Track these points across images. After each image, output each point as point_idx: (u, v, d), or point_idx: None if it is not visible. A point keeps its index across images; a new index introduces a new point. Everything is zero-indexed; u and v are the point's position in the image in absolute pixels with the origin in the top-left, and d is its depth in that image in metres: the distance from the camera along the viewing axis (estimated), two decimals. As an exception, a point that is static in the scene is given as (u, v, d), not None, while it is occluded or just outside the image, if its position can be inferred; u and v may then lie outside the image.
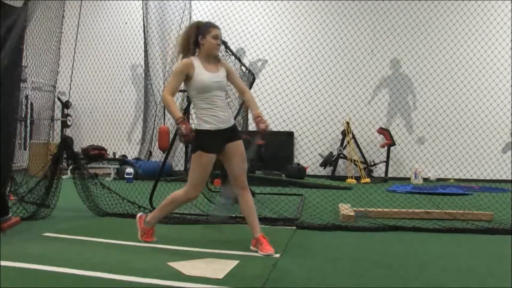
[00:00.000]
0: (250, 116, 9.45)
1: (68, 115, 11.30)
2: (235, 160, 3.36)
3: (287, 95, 10.22)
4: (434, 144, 10.76)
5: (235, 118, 5.71)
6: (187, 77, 3.29)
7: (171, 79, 3.34)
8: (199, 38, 3.33)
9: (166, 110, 10.89)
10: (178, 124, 3.15)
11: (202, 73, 3.28)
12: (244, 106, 6.31)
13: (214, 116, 3.28)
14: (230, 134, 3.37)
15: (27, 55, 5.26)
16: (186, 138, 3.15)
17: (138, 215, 3.66)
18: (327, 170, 10.84)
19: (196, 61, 3.33)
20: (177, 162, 10.89)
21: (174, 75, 3.32)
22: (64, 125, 11.14)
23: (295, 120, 9.84)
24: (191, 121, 3.81)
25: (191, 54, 3.35)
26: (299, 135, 10.82)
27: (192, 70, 3.28)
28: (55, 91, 7.26)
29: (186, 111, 5.39)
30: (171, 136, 8.20)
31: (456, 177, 10.27)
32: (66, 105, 10.98)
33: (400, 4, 9.57)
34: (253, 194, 6.78)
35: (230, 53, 5.33)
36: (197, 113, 3.34)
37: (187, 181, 3.39)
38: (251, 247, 3.34)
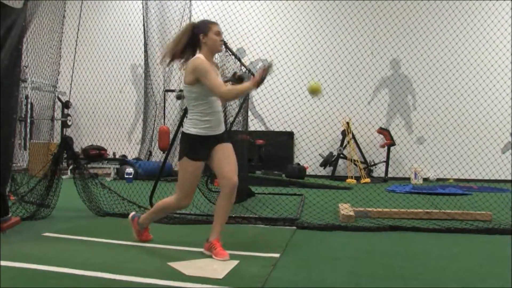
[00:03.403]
0: (250, 116, 9.49)
1: (68, 115, 11.30)
2: (226, 159, 3.19)
3: (288, 96, 10.25)
4: (433, 144, 10.77)
5: (235, 118, 5.73)
6: (197, 78, 3.09)
7: (209, 77, 3.03)
8: (200, 37, 3.15)
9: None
10: (256, 86, 3.02)
11: (213, 73, 3.10)
12: (244, 106, 6.31)
13: (207, 121, 3.13)
14: (220, 139, 3.23)
15: (27, 55, 5.27)
16: (264, 74, 2.99)
17: (130, 215, 3.59)
18: (327, 170, 10.85)
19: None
20: (177, 162, 10.88)
21: (209, 72, 3.04)
22: (64, 125, 11.14)
23: (295, 120, 9.85)
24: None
25: (184, 59, 3.21)
26: (300, 135, 10.83)
27: None
28: (56, 91, 7.27)
29: (186, 111, 5.38)
30: (171, 136, 8.20)
31: (456, 177, 10.27)
32: (66, 105, 10.98)
33: (400, 4, 9.57)
34: (253, 194, 6.80)
35: (230, 53, 5.33)
36: (191, 116, 3.18)
37: (177, 188, 3.26)
38: (204, 250, 3.19)
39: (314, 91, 3.20)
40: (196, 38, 3.19)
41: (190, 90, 3.16)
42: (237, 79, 3.56)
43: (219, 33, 3.21)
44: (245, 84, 3.18)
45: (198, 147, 3.16)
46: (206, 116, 3.14)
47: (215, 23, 3.24)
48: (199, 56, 3.15)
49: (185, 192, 3.24)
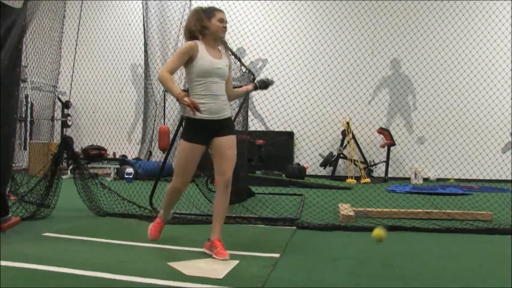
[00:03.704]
0: (250, 116, 9.48)
1: (68, 115, 11.31)
2: (224, 156, 3.21)
3: (288, 96, 10.24)
4: (434, 144, 10.77)
5: (235, 118, 5.73)
6: (189, 60, 3.19)
7: (172, 58, 3.19)
8: (204, 22, 3.24)
9: (165, 93, 10.91)
10: (179, 99, 2.98)
11: (205, 56, 3.18)
12: (244, 106, 6.30)
13: (202, 103, 3.11)
14: (220, 127, 3.23)
15: (27, 55, 5.27)
16: (194, 106, 2.97)
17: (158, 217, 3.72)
18: (327, 170, 10.84)
19: (201, 45, 3.23)
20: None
21: (177, 55, 3.18)
22: (64, 125, 11.14)
23: (295, 120, 9.84)
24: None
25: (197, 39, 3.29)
26: (300, 135, 10.82)
27: (196, 52, 3.18)
28: (56, 91, 7.27)
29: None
30: (171, 136, 8.20)
31: (456, 177, 10.27)
32: (66, 105, 10.98)
33: (400, 4, 9.57)
34: (253, 194, 6.80)
35: (230, 53, 5.32)
36: None
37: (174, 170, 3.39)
38: (205, 250, 3.21)
39: (378, 237, 3.19)
40: (202, 22, 3.26)
41: (187, 72, 3.28)
42: (261, 84, 3.61)
43: (222, 20, 3.28)
44: (175, 89, 3.05)
45: (194, 130, 3.22)
46: (202, 98, 3.17)
47: (220, 11, 3.32)
48: (193, 41, 3.23)
49: (176, 174, 3.32)
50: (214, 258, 3.06)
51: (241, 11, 9.33)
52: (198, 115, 3.10)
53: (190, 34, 3.29)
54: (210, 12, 3.28)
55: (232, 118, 3.47)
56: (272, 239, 3.70)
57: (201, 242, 3.26)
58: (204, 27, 3.24)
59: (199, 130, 3.21)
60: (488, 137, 10.23)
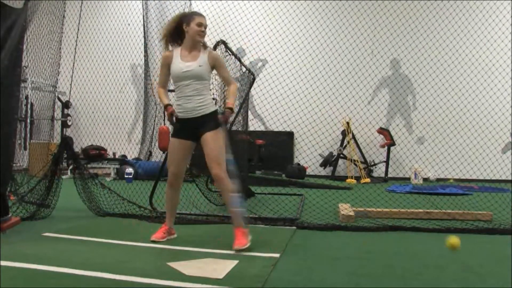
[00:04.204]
0: (250, 116, 9.48)
1: (68, 115, 11.31)
2: (206, 154, 3.42)
3: (288, 96, 10.24)
4: (434, 144, 10.77)
5: (235, 118, 5.72)
6: (168, 68, 3.50)
7: (160, 73, 3.60)
8: (183, 26, 3.44)
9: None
10: (164, 109, 3.50)
11: (175, 63, 3.44)
12: (244, 106, 6.30)
13: (179, 105, 3.47)
14: (199, 124, 3.44)
15: (27, 55, 5.26)
16: (169, 115, 3.46)
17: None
18: (327, 170, 10.85)
19: (176, 52, 3.49)
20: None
21: (160, 69, 3.59)
22: (64, 125, 11.15)
23: (295, 120, 9.85)
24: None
25: (176, 44, 3.52)
26: (300, 135, 10.82)
27: (170, 60, 3.47)
28: (56, 91, 7.27)
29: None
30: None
31: (456, 177, 10.27)
32: (66, 105, 10.98)
33: (400, 4, 9.57)
34: (253, 194, 6.80)
35: (230, 53, 5.33)
36: None
37: None
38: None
39: (454, 245, 3.18)
40: (181, 26, 3.46)
41: None
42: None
43: (201, 24, 3.43)
44: (162, 101, 3.55)
45: (178, 127, 3.54)
46: (178, 100, 3.49)
47: (199, 15, 3.48)
48: (168, 51, 3.52)
49: (168, 165, 3.61)
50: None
51: (241, 11, 9.35)
52: (178, 115, 3.48)
53: (164, 38, 3.53)
54: (189, 16, 3.46)
55: (216, 113, 3.55)
56: (272, 239, 3.70)
57: (200, 242, 3.27)
58: (179, 32, 3.47)
59: (181, 127, 3.51)
60: (488, 137, 10.23)
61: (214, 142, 3.40)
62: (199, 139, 3.47)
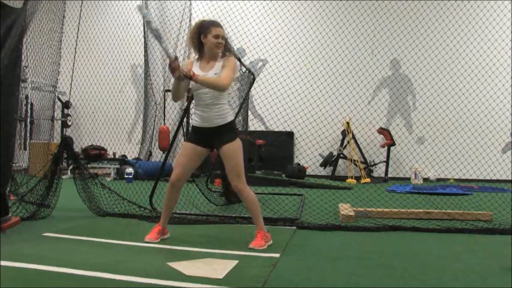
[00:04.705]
0: (250, 116, 9.48)
1: (68, 115, 11.31)
2: (226, 167, 3.46)
3: (288, 95, 10.24)
4: (434, 144, 10.78)
5: (235, 118, 5.72)
6: None
7: None
8: (201, 37, 3.43)
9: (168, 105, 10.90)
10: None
11: (193, 71, 3.42)
12: (244, 106, 6.30)
13: (196, 113, 3.51)
14: (216, 133, 3.45)
15: (27, 55, 5.26)
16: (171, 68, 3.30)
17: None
18: (327, 170, 10.85)
19: (196, 61, 3.53)
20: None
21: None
22: (64, 125, 11.15)
23: (295, 120, 9.84)
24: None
25: (200, 52, 3.53)
26: (300, 135, 10.82)
27: (190, 68, 3.48)
28: (56, 91, 7.26)
29: (186, 110, 5.39)
30: (171, 136, 8.20)
31: (456, 177, 10.27)
32: (66, 105, 10.98)
33: (400, 4, 9.57)
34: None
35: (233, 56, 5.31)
36: None
37: None
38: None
39: None
40: (199, 37, 3.45)
41: None
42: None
43: (218, 36, 3.40)
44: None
45: (192, 133, 3.59)
46: (196, 108, 3.52)
47: (216, 26, 3.44)
48: (190, 60, 3.59)
49: (174, 165, 3.59)
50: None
51: (241, 11, 9.35)
52: (193, 123, 3.55)
53: (192, 46, 3.54)
54: (206, 27, 3.42)
55: (233, 123, 3.57)
56: (272, 239, 3.70)
57: (200, 242, 3.26)
58: (200, 43, 3.46)
59: (196, 134, 3.54)
60: (488, 137, 10.24)
61: (232, 154, 3.43)
62: (213, 148, 3.53)
